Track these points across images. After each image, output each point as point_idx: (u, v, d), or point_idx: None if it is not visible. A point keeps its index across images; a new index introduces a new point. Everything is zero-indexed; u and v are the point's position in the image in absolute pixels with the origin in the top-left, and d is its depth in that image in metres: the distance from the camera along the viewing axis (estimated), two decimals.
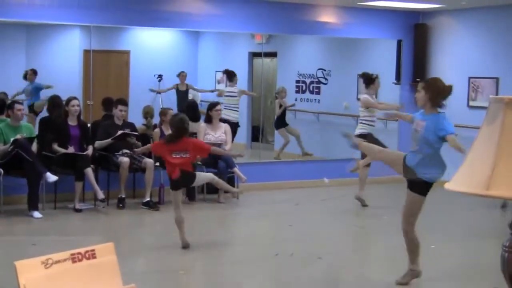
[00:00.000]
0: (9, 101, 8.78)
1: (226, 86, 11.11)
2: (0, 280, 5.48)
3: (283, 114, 11.37)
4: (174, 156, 6.52)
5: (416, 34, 11.22)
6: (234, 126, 10.34)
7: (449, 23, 10.97)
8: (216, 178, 7.14)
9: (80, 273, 2.96)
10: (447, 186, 2.81)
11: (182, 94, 11.23)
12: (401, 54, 11.23)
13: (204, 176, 7.09)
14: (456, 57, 10.89)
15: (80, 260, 2.96)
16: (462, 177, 2.76)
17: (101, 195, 8.16)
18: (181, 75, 11.38)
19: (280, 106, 11.37)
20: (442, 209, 9.15)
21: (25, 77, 10.54)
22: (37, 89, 10.41)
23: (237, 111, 10.75)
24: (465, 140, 10.70)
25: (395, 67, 11.22)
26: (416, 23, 11.24)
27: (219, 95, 10.99)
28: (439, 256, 6.77)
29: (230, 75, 10.93)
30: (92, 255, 3.00)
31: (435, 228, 8.01)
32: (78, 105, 8.60)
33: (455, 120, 10.79)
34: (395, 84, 11.29)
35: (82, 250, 3.00)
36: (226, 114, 10.23)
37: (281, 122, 11.37)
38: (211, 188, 9.29)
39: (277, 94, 11.49)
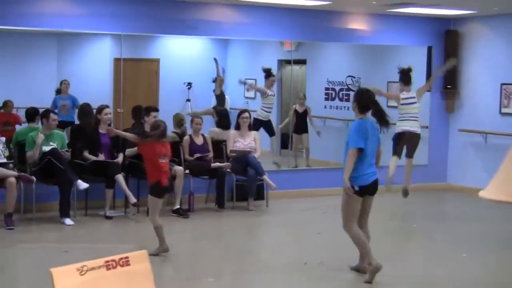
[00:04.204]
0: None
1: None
2: (33, 287, 5.54)
3: (298, 121, 11.25)
4: (161, 160, 6.55)
5: (447, 40, 11.13)
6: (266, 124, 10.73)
7: (480, 30, 10.86)
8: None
9: (114, 280, 2.97)
10: (481, 194, 2.77)
11: None
12: (431, 61, 11.14)
13: None
14: (487, 63, 10.77)
15: (114, 268, 2.97)
16: (497, 186, 2.72)
17: (133, 199, 8.19)
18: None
19: (295, 112, 11.20)
20: (476, 217, 9.05)
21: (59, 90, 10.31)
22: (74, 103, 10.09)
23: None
24: (497, 147, 10.61)
25: (426, 74, 11.12)
26: (447, 30, 11.15)
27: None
28: (470, 265, 6.69)
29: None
30: (126, 263, 3.01)
31: (468, 237, 7.92)
32: (111, 113, 8.69)
33: (487, 127, 10.77)
34: (426, 91, 11.17)
35: (116, 257, 3.01)
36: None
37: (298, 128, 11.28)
38: (241, 196, 9.31)
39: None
